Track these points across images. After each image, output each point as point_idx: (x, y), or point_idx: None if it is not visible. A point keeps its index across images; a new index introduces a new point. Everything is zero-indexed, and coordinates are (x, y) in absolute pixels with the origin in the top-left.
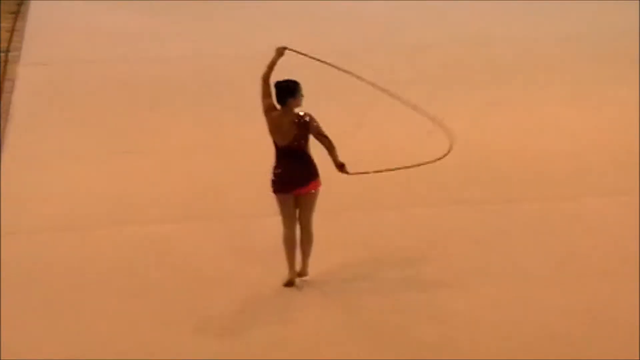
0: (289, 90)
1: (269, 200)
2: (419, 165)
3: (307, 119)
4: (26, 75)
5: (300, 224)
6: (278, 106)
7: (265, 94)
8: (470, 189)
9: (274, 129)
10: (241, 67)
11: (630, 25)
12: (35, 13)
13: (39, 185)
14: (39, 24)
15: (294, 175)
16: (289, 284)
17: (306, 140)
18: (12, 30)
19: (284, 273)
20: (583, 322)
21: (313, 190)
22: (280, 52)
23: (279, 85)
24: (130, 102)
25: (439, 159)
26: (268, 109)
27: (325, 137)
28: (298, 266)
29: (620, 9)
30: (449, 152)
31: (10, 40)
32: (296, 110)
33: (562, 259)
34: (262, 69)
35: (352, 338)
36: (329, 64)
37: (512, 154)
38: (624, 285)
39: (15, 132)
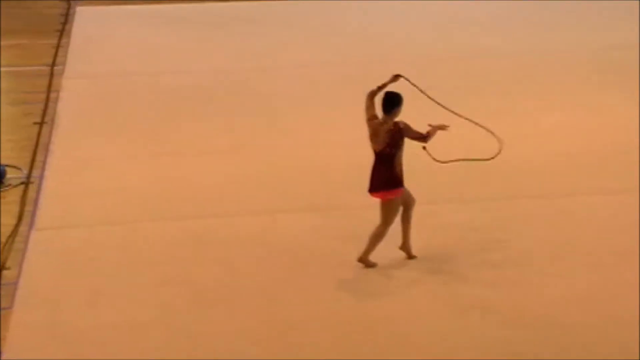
0: (396, 101)
1: (291, 196)
2: (474, 160)
3: (402, 125)
4: (70, 87)
5: None
6: (380, 115)
7: (369, 107)
8: (476, 187)
9: (373, 136)
10: (267, 80)
11: (620, 39)
12: (78, 31)
13: (84, 185)
14: (81, 41)
15: (373, 178)
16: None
17: (397, 148)
18: (57, 46)
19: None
20: (577, 307)
21: (382, 200)
22: (395, 78)
23: (391, 95)
24: (166, 111)
25: (492, 158)
26: (370, 119)
27: (418, 132)
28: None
29: (609, 25)
30: (499, 152)
31: (55, 56)
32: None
33: (558, 250)
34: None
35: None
36: (432, 99)
37: (514, 156)
38: (615, 275)
39: (60, 137)
